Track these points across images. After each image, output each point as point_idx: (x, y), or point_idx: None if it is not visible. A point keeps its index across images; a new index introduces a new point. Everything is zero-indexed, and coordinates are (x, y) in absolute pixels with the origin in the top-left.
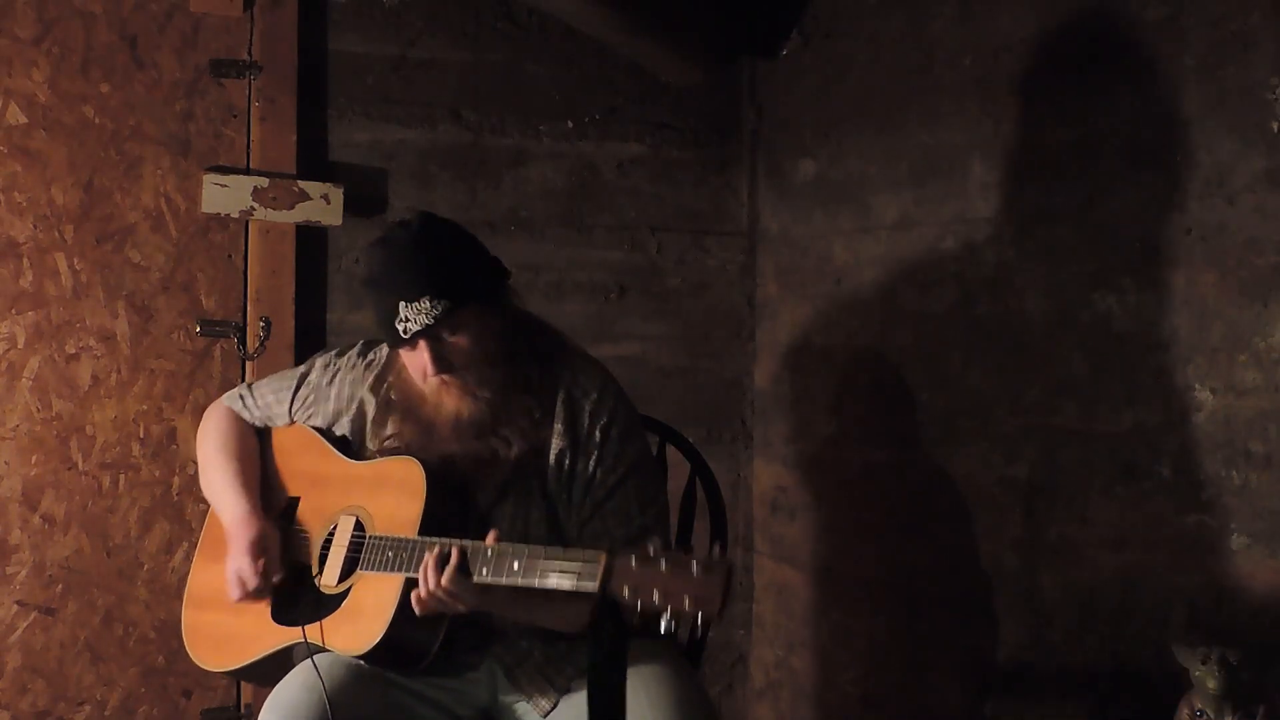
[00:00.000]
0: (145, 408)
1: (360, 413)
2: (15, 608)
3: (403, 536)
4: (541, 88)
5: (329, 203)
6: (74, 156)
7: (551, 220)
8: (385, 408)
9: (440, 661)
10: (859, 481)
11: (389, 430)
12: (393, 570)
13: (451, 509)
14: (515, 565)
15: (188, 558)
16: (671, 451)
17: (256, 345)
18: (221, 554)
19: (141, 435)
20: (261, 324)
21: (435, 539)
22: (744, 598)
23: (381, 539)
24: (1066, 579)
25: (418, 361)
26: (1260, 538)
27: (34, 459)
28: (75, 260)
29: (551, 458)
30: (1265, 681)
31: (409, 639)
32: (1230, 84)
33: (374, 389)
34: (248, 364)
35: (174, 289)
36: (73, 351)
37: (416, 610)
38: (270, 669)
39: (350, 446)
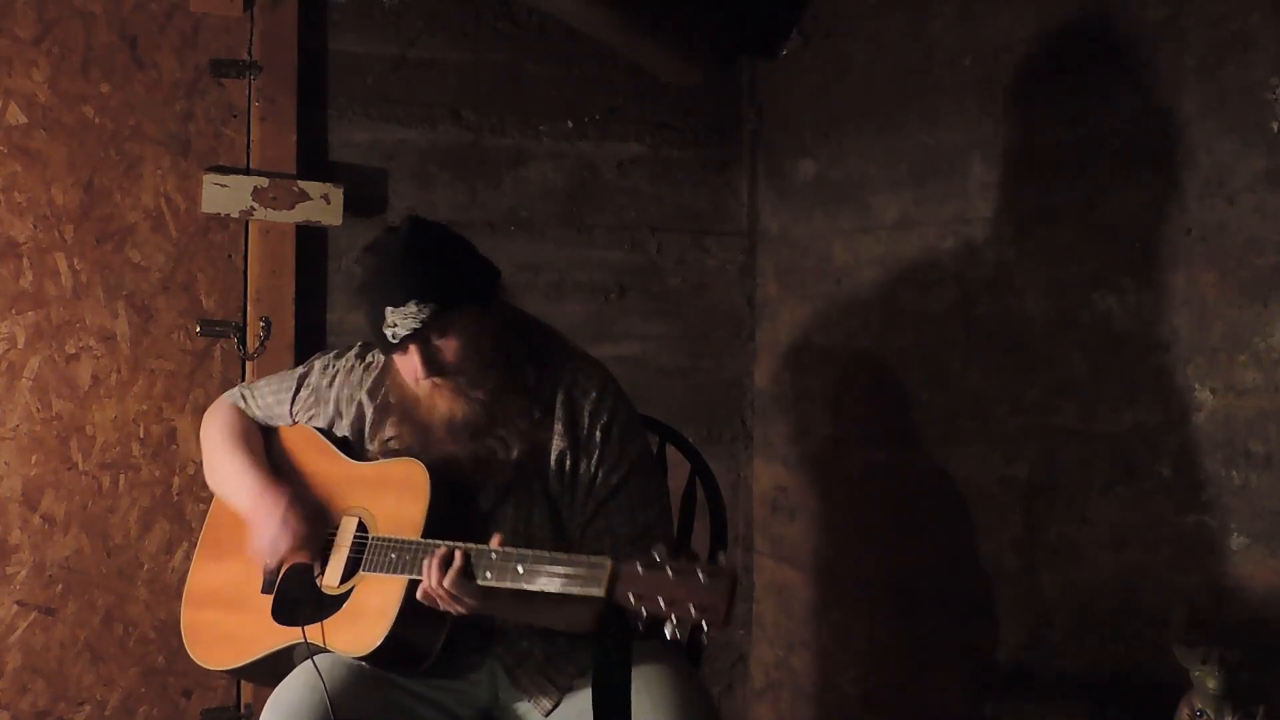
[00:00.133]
0: (145, 408)
1: (359, 415)
2: (15, 608)
3: (406, 538)
4: (541, 88)
5: (329, 203)
6: (74, 156)
7: (551, 220)
8: (383, 410)
9: (441, 662)
10: (859, 481)
11: (388, 432)
12: (396, 572)
13: (454, 511)
14: (519, 569)
15: (188, 557)
16: (671, 451)
17: (256, 345)
18: (222, 553)
19: (141, 435)
20: (261, 324)
21: (439, 541)
22: (744, 598)
23: (385, 540)
24: (1066, 579)
25: (409, 365)
26: (1260, 538)
27: (34, 459)
28: (75, 260)
29: (552, 458)
30: (1265, 681)
31: (411, 641)
32: (1230, 84)
33: (372, 392)
34: (248, 364)
35: (174, 289)
36: (73, 351)
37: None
38: (270, 669)
39: (351, 448)
